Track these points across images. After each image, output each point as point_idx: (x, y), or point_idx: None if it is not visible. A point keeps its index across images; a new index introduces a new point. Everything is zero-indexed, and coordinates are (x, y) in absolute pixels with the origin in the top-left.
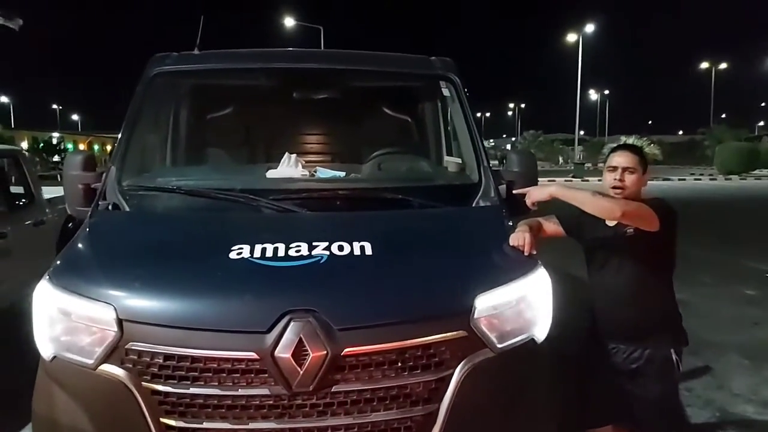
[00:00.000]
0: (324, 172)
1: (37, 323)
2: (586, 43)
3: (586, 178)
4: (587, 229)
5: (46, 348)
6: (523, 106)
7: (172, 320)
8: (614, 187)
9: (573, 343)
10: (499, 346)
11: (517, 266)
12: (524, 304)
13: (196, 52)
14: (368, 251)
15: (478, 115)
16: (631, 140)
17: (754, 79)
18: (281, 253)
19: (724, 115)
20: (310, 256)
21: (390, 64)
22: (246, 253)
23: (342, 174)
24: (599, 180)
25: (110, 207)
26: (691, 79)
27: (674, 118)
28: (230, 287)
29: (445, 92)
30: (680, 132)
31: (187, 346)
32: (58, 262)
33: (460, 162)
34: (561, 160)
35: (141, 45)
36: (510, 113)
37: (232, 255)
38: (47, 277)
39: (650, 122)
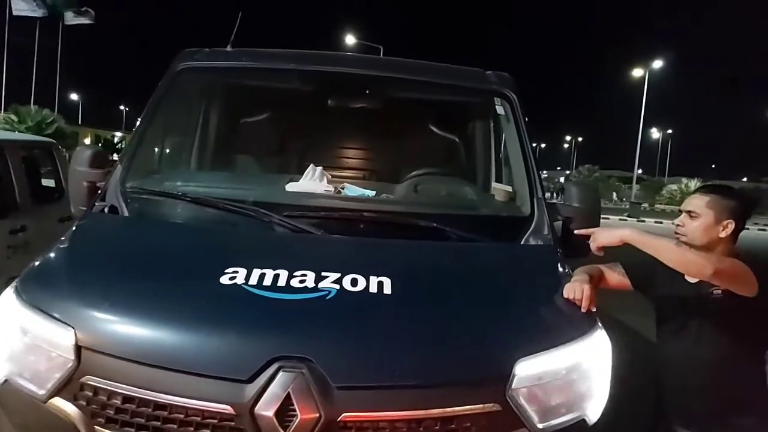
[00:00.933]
0: (352, 190)
1: None
2: (653, 78)
3: (642, 219)
4: (661, 284)
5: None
6: (580, 139)
7: (136, 354)
8: (675, 232)
9: (632, 426)
10: (540, 426)
11: (570, 325)
12: (576, 375)
13: (228, 48)
14: (386, 289)
15: (533, 145)
16: (693, 183)
17: None
18: (281, 281)
19: None
20: (315, 288)
21: (439, 75)
22: (240, 279)
23: (372, 193)
24: (656, 222)
25: (107, 210)
26: (758, 126)
27: (739, 164)
28: (212, 320)
29: (500, 110)
30: (744, 179)
31: (150, 388)
32: (29, 270)
33: (510, 191)
34: (615, 197)
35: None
36: (566, 145)
37: (224, 279)
38: (14, 285)
39: (713, 166)
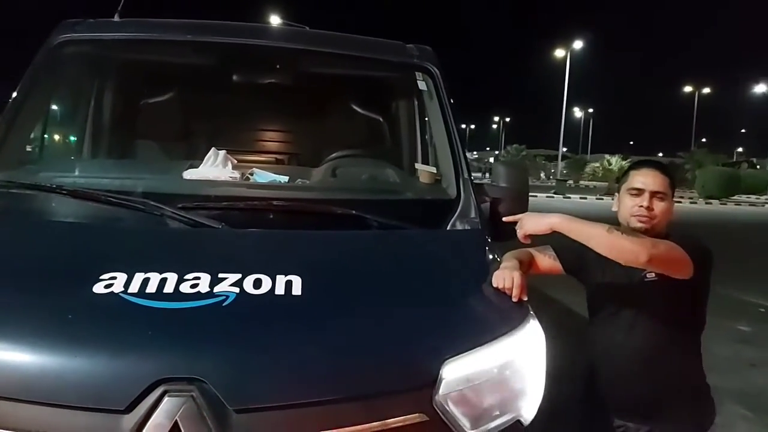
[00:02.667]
0: (261, 176)
1: None
2: (574, 59)
3: (568, 195)
4: (593, 268)
5: None
6: (508, 119)
7: None
8: (638, 216)
9: (566, 420)
10: None
11: (501, 318)
12: (509, 372)
13: (116, 19)
14: (295, 290)
15: (462, 126)
16: (614, 160)
17: (735, 105)
18: (169, 287)
19: (704, 139)
20: (210, 294)
21: (355, 48)
22: (118, 286)
23: (284, 179)
24: (581, 198)
25: None
26: (673, 102)
27: (655, 140)
28: (80, 338)
29: (421, 86)
30: (660, 154)
31: (7, 426)
32: None
33: (435, 172)
34: (543, 175)
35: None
36: (494, 126)
37: (98, 287)
38: None
39: (632, 142)
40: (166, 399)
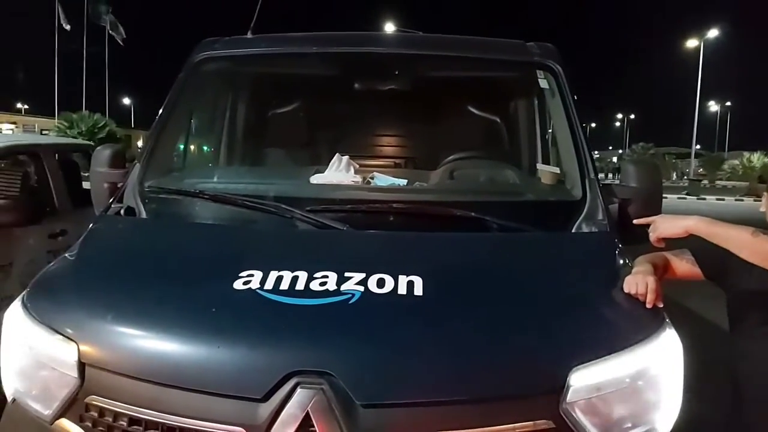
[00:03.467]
0: (382, 179)
1: (3, 354)
2: (708, 49)
3: (703, 196)
4: (738, 273)
5: (9, 386)
6: (632, 116)
7: (140, 371)
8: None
9: None
10: None
11: (633, 325)
12: (643, 382)
13: (249, 35)
14: (417, 290)
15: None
16: (756, 157)
17: None
18: (300, 284)
19: None
20: (337, 291)
21: (474, 49)
22: (255, 283)
23: (403, 182)
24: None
25: (123, 211)
26: None
27: None
28: (222, 331)
29: (543, 84)
30: None
31: (157, 408)
32: (37, 279)
33: (558, 172)
34: (675, 175)
35: None
36: (617, 124)
37: (238, 284)
38: (22, 297)
39: None
40: (298, 390)
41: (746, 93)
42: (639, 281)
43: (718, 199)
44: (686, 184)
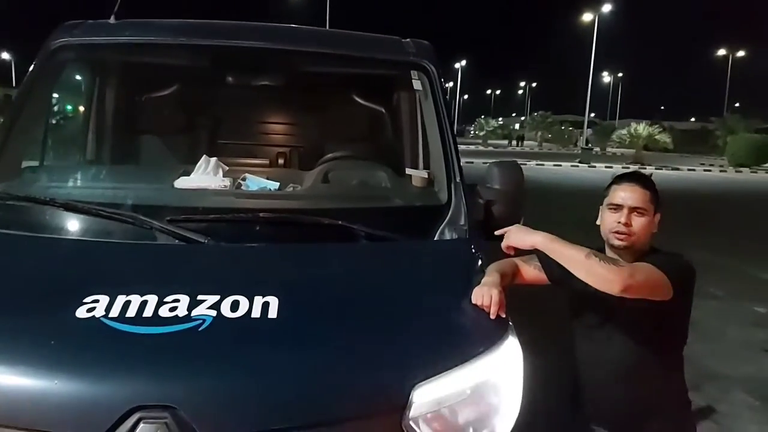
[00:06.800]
0: (253, 182)
1: None
2: (602, 23)
3: (593, 164)
4: (577, 280)
5: None
6: (534, 84)
7: None
8: (617, 233)
9: (548, 428)
10: None
11: (477, 337)
12: (483, 392)
13: (111, 20)
14: (271, 312)
15: (488, 92)
16: (641, 127)
17: None
18: (148, 311)
19: (737, 104)
20: (187, 318)
21: (351, 46)
22: (100, 310)
23: (275, 185)
24: (607, 167)
25: None
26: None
27: (687, 105)
28: (61, 364)
29: (416, 85)
30: (692, 119)
31: None
32: None
33: (426, 176)
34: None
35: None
36: (520, 92)
37: (81, 312)
38: None
39: (662, 108)
40: (141, 426)
41: (637, 65)
42: (485, 293)
43: (607, 167)
44: (579, 152)
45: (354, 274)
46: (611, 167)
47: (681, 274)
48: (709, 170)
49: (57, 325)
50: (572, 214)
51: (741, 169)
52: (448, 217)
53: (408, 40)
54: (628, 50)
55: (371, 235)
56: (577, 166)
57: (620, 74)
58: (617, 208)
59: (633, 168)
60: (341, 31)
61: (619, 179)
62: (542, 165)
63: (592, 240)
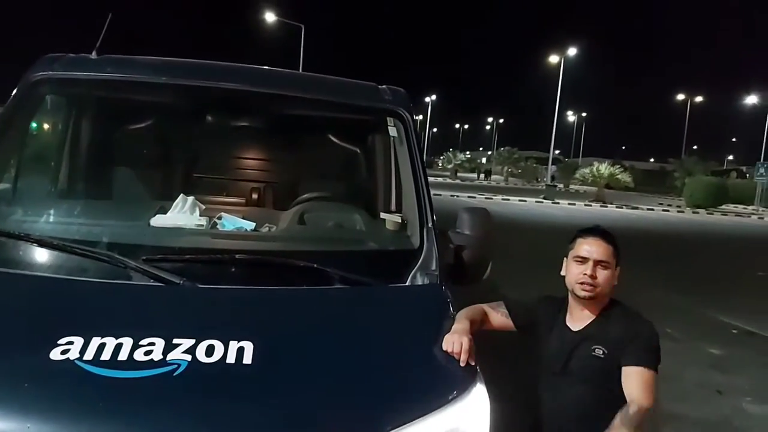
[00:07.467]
0: (229, 221)
1: None
2: (569, 64)
3: (557, 201)
4: (543, 327)
5: None
6: (501, 120)
7: None
8: (582, 283)
9: None
10: None
11: (446, 385)
12: None
13: (93, 55)
14: (246, 358)
15: (456, 126)
16: (603, 167)
17: (727, 114)
18: (123, 354)
19: (695, 147)
20: (162, 362)
21: (328, 92)
22: (74, 353)
23: (251, 225)
24: (570, 203)
25: None
26: (666, 110)
27: (647, 146)
28: (33, 409)
29: (392, 132)
30: (651, 159)
31: None
32: None
33: (400, 221)
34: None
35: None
36: (488, 127)
37: (55, 354)
38: None
39: (624, 147)
40: None
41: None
42: (455, 340)
43: (570, 204)
44: (544, 188)
45: (327, 320)
46: (574, 204)
47: (657, 353)
48: (667, 210)
49: (31, 368)
50: (540, 249)
51: (698, 210)
52: (419, 262)
53: (384, 86)
54: (592, 91)
55: (345, 279)
56: (542, 202)
57: (584, 114)
58: (583, 260)
59: (595, 206)
60: (319, 76)
61: (585, 233)
62: (508, 200)
63: (555, 276)
